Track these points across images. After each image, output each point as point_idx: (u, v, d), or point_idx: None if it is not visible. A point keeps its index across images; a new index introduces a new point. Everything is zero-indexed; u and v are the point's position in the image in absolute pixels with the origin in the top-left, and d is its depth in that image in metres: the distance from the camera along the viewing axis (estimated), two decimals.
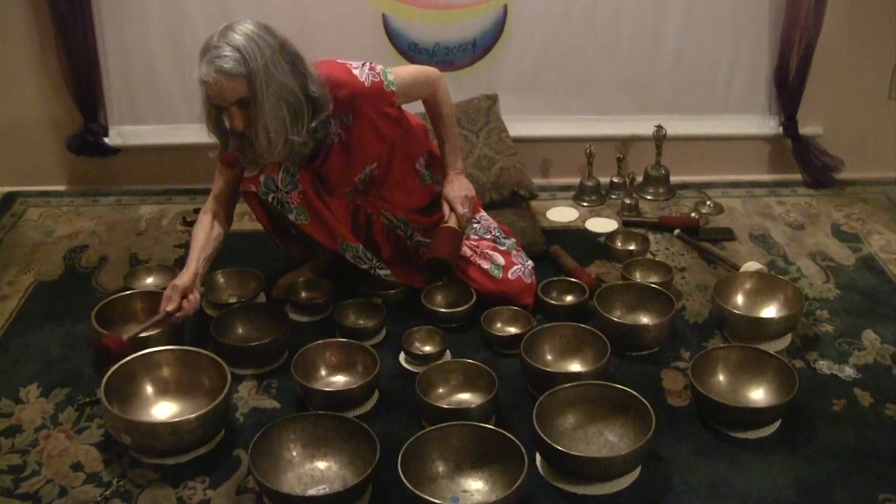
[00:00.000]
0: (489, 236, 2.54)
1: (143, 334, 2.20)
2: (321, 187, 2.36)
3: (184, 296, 2.22)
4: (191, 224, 2.98)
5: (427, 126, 2.58)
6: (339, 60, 2.29)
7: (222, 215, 2.39)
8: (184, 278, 2.24)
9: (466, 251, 2.48)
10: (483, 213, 2.62)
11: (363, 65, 2.29)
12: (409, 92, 2.37)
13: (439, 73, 2.45)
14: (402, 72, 2.37)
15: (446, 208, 2.47)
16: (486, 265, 2.47)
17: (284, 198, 2.29)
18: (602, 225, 3.01)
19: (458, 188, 2.48)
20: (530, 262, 2.54)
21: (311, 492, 1.83)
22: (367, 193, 2.47)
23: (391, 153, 2.43)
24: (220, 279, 2.56)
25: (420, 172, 2.54)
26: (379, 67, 2.30)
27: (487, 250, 2.50)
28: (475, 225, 2.56)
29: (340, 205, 2.41)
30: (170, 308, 2.20)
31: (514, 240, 2.58)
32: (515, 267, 2.47)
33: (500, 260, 2.48)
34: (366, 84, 2.26)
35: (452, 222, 2.45)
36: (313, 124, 2.20)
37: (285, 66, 2.11)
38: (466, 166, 2.90)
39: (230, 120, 2.15)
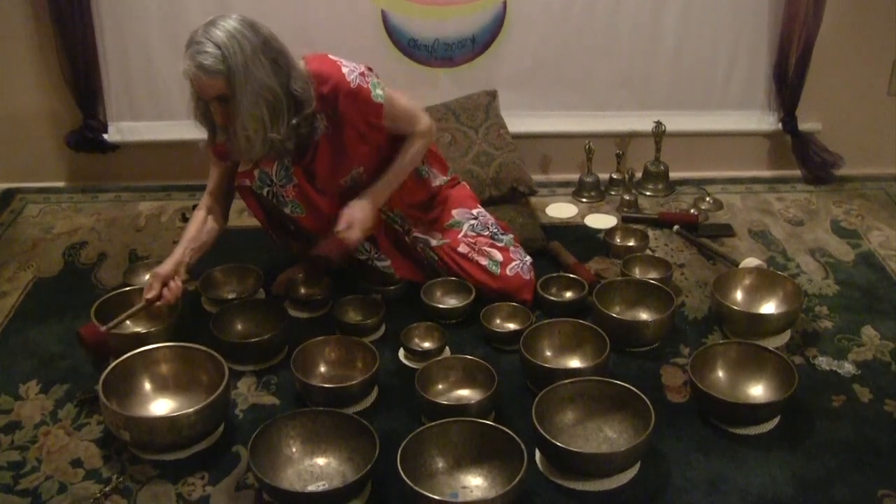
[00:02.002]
0: (486, 233, 2.54)
1: (128, 322, 2.22)
2: (314, 184, 2.35)
3: (164, 283, 2.22)
4: (189, 220, 2.99)
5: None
6: (334, 57, 2.27)
7: (217, 210, 2.40)
8: (165, 266, 2.25)
9: (464, 248, 2.48)
10: (481, 210, 2.61)
11: (357, 67, 2.27)
12: (396, 117, 2.32)
13: (433, 128, 2.41)
14: (399, 98, 2.32)
15: (342, 221, 2.32)
16: (483, 262, 2.46)
17: (279, 191, 2.29)
18: (601, 221, 3.00)
19: (357, 211, 2.33)
20: (528, 257, 2.54)
21: (311, 488, 1.84)
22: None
23: (379, 160, 2.41)
24: (219, 276, 2.56)
25: (416, 167, 2.53)
26: (372, 78, 2.28)
27: (485, 247, 2.49)
28: (472, 221, 2.55)
29: (334, 203, 2.40)
30: (150, 296, 2.21)
31: (511, 236, 2.58)
32: (513, 263, 2.47)
33: (498, 256, 2.48)
34: (351, 84, 2.23)
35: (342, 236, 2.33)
36: (294, 121, 2.19)
37: (266, 64, 2.10)
38: (466, 162, 2.91)
39: (213, 114, 2.16)
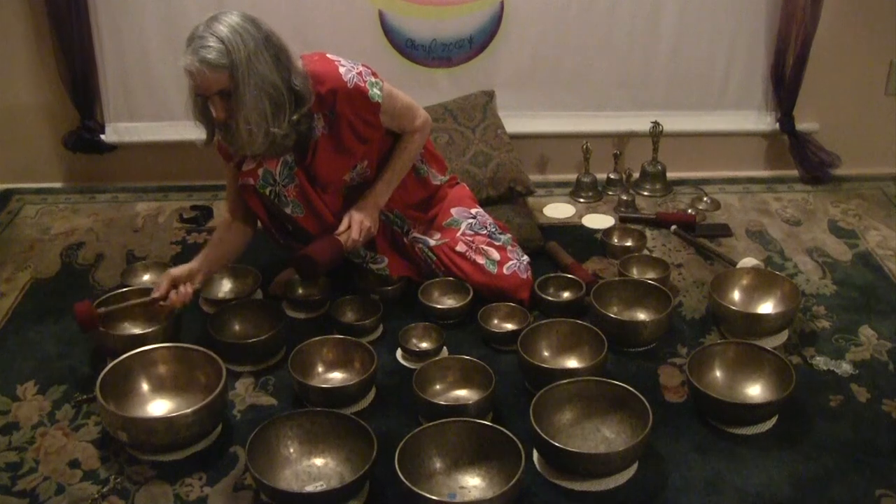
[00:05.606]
0: (484, 232, 2.54)
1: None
2: (316, 184, 2.35)
3: (174, 286, 2.22)
4: (187, 221, 2.99)
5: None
6: (332, 57, 2.28)
7: (239, 214, 2.39)
8: (180, 269, 2.25)
9: (462, 246, 2.48)
10: (479, 209, 2.61)
11: (354, 66, 2.27)
12: (395, 115, 2.35)
13: (428, 121, 2.45)
14: (398, 96, 2.35)
15: (345, 222, 2.35)
16: (481, 260, 2.47)
17: (281, 191, 2.29)
18: (599, 221, 3.01)
19: (366, 215, 2.38)
20: (526, 257, 2.54)
21: (309, 488, 1.84)
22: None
23: (382, 153, 2.42)
24: (217, 276, 2.55)
25: (416, 166, 2.53)
26: (370, 77, 2.28)
27: (482, 245, 2.50)
28: (470, 220, 2.55)
29: (336, 200, 2.41)
30: (156, 294, 2.21)
31: (509, 235, 2.58)
32: (510, 262, 2.47)
33: (496, 255, 2.48)
34: (348, 84, 2.23)
35: (343, 238, 2.34)
36: (295, 117, 2.19)
37: (268, 59, 2.10)
38: (463, 162, 2.91)
39: (213, 110, 2.15)
